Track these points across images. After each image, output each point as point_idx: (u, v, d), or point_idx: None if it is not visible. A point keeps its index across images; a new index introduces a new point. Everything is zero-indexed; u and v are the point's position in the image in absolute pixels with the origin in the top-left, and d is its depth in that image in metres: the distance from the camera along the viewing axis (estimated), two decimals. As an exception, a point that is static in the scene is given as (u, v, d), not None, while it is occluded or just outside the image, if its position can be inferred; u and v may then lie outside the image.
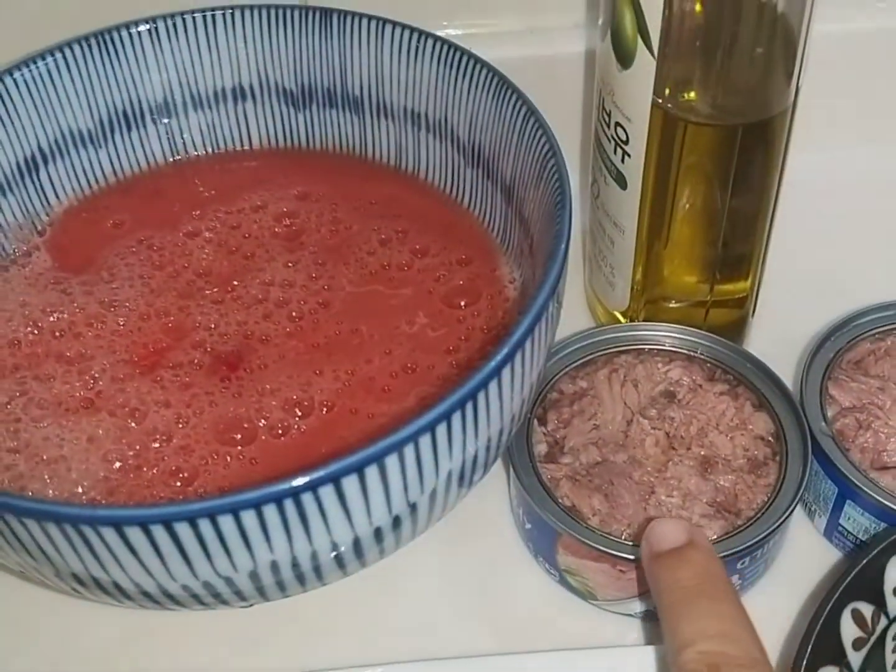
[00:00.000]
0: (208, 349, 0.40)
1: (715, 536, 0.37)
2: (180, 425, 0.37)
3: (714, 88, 0.40)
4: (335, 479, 0.29)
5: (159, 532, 0.28)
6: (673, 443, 0.40)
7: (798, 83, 0.39)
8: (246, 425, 0.37)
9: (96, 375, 0.38)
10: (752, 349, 0.44)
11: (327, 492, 0.29)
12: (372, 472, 0.30)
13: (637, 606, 0.38)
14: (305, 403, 0.38)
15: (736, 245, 0.43)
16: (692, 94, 0.40)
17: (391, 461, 0.30)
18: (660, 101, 0.38)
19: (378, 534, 0.32)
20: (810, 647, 0.31)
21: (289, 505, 0.29)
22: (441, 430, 0.30)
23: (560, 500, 0.39)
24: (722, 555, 0.36)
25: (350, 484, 0.29)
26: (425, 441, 0.30)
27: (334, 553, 0.32)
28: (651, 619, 0.39)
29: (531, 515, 0.39)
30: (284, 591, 0.33)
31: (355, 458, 0.29)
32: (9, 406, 0.37)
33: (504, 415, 0.33)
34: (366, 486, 0.30)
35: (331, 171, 0.47)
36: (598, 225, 0.45)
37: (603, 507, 0.39)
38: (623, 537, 0.37)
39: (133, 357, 0.39)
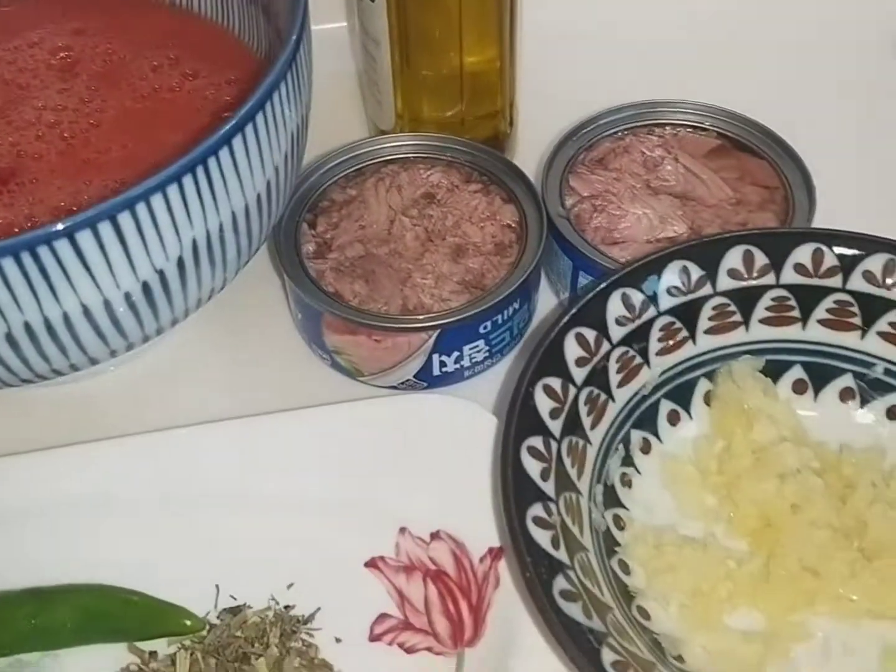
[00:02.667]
0: (-17, 165, 0.42)
1: (462, 305, 0.41)
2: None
3: None
4: (70, 234, 0.32)
5: None
6: (430, 236, 0.45)
7: None
8: (16, 229, 0.40)
9: None
10: (514, 157, 0.48)
11: (62, 245, 0.32)
12: (105, 229, 0.33)
13: (398, 376, 0.42)
14: (73, 209, 0.40)
15: (478, 61, 0.46)
16: None
17: (124, 218, 0.33)
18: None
19: (128, 300, 0.35)
20: (536, 361, 0.35)
21: (25, 258, 0.31)
22: (173, 191, 0.33)
23: (324, 288, 0.43)
24: (465, 316, 0.40)
25: (85, 239, 0.32)
26: (157, 200, 0.33)
27: (86, 317, 0.35)
28: (409, 388, 0.43)
29: (299, 304, 0.43)
30: (49, 362, 0.36)
31: (89, 214, 0.32)
32: None
33: (245, 190, 0.36)
34: (102, 243, 0.33)
35: (108, 8, 0.49)
36: (362, 45, 0.48)
37: (363, 290, 0.42)
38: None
39: None
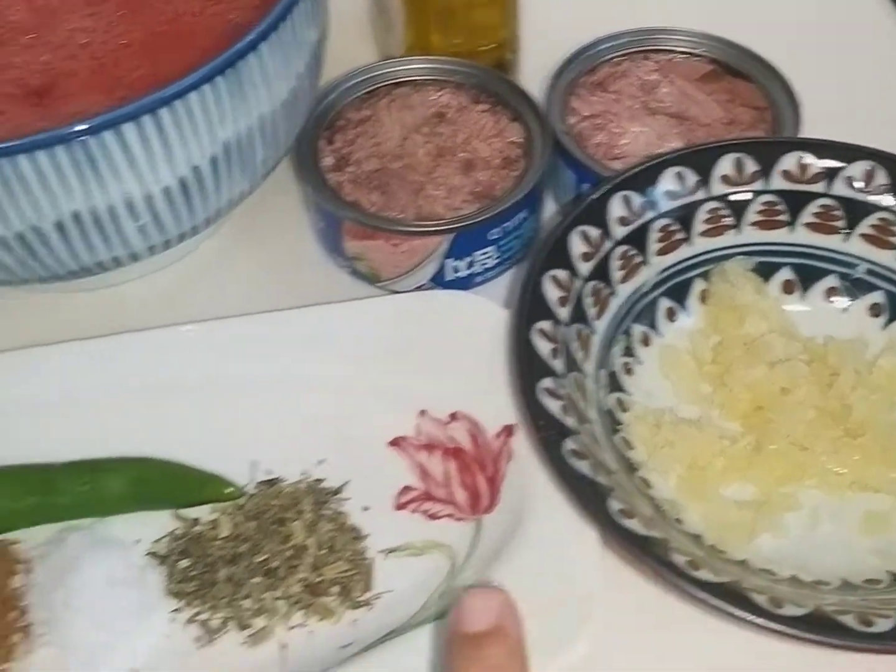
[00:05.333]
0: (20, 83, 0.44)
1: (473, 212, 0.44)
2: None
3: None
4: (115, 125, 0.35)
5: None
6: (441, 151, 0.47)
7: None
8: (56, 137, 0.43)
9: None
10: (519, 79, 0.51)
11: (111, 138, 0.35)
12: (147, 122, 0.35)
13: (413, 281, 0.45)
14: (110, 120, 0.43)
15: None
16: None
17: (164, 113, 0.35)
18: None
19: (168, 195, 0.38)
20: (545, 254, 0.38)
21: (76, 147, 0.34)
22: (208, 90, 0.36)
23: (344, 197, 0.45)
24: (476, 221, 0.43)
25: (129, 131, 0.35)
26: (194, 97, 0.36)
27: (129, 209, 0.37)
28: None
29: (321, 213, 0.46)
30: (94, 253, 0.39)
31: (133, 107, 0.35)
32: None
33: (272, 94, 0.39)
34: (145, 136, 0.36)
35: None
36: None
37: (380, 200, 0.45)
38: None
39: (-50, 90, 0.44)
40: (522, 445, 0.38)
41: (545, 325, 0.38)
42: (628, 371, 0.42)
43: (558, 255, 0.40)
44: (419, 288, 0.46)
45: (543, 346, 0.37)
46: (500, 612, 0.31)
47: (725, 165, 0.43)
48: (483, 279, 0.46)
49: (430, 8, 0.50)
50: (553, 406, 0.35)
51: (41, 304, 0.47)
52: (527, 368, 0.36)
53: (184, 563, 0.37)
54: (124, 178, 0.36)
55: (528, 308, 0.38)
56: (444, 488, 0.39)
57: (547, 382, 0.36)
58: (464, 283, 0.46)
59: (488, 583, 0.34)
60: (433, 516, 0.38)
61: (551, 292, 0.39)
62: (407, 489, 0.39)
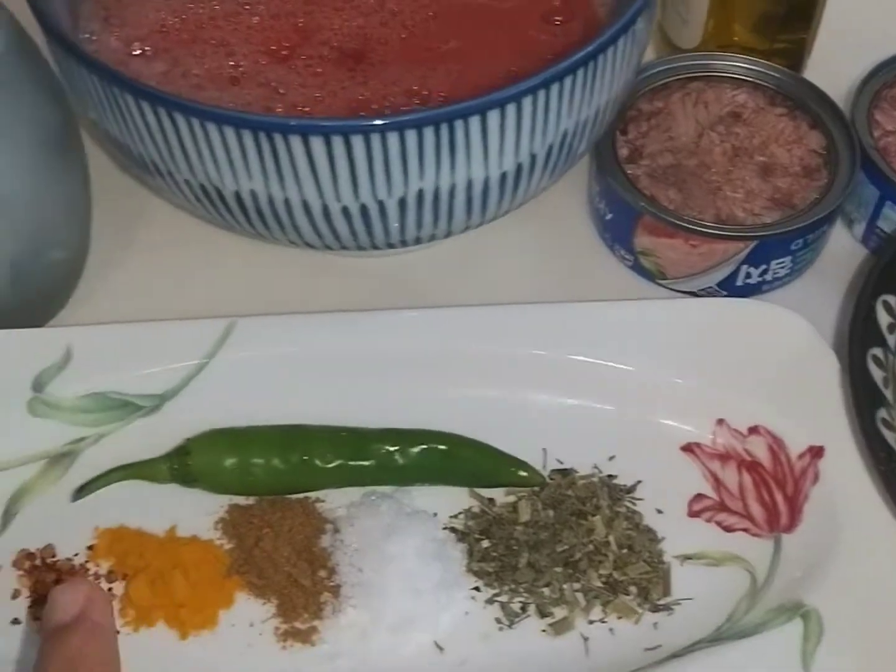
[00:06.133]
0: (335, 45, 0.44)
1: (779, 221, 0.43)
2: (318, 104, 0.42)
3: None
4: (482, 111, 0.35)
5: (338, 144, 0.34)
6: (737, 152, 0.46)
7: None
8: (374, 105, 0.43)
9: (240, 61, 0.43)
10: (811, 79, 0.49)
11: (474, 122, 0.35)
12: (510, 111, 0.35)
13: (701, 283, 0.45)
14: (425, 92, 0.43)
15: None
16: None
17: (526, 102, 0.35)
18: None
19: (503, 180, 0.38)
20: (874, 278, 0.37)
21: (443, 130, 0.34)
22: (568, 81, 0.36)
23: (642, 191, 0.45)
24: (783, 231, 0.42)
25: (492, 118, 0.35)
26: (554, 89, 0.36)
27: (467, 191, 0.38)
28: (708, 296, 0.45)
29: (615, 204, 0.45)
30: (421, 228, 0.39)
31: (502, 94, 0.35)
32: (168, 75, 0.42)
33: (614, 85, 0.39)
34: (504, 123, 0.35)
35: None
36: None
37: (677, 197, 0.45)
38: (695, 221, 0.44)
39: (269, 48, 0.44)
40: (833, 469, 0.38)
41: (877, 351, 0.37)
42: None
43: (889, 280, 0.39)
44: (704, 290, 0.45)
45: (877, 374, 0.36)
46: (84, 604, 0.32)
47: None
48: (770, 288, 0.45)
49: (737, 1, 0.49)
50: (891, 438, 0.35)
51: (335, 267, 0.47)
52: (865, 397, 0.35)
53: (485, 542, 0.38)
54: (474, 162, 0.36)
55: (862, 332, 0.37)
56: (739, 501, 0.39)
57: (882, 413, 0.35)
58: (751, 290, 0.45)
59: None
60: (727, 528, 0.38)
61: (882, 318, 0.38)
62: (700, 497, 0.39)
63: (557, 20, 0.46)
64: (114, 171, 0.50)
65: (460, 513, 0.39)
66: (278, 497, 0.39)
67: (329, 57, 0.44)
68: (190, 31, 0.44)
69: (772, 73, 0.48)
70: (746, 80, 0.48)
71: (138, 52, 0.43)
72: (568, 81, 0.36)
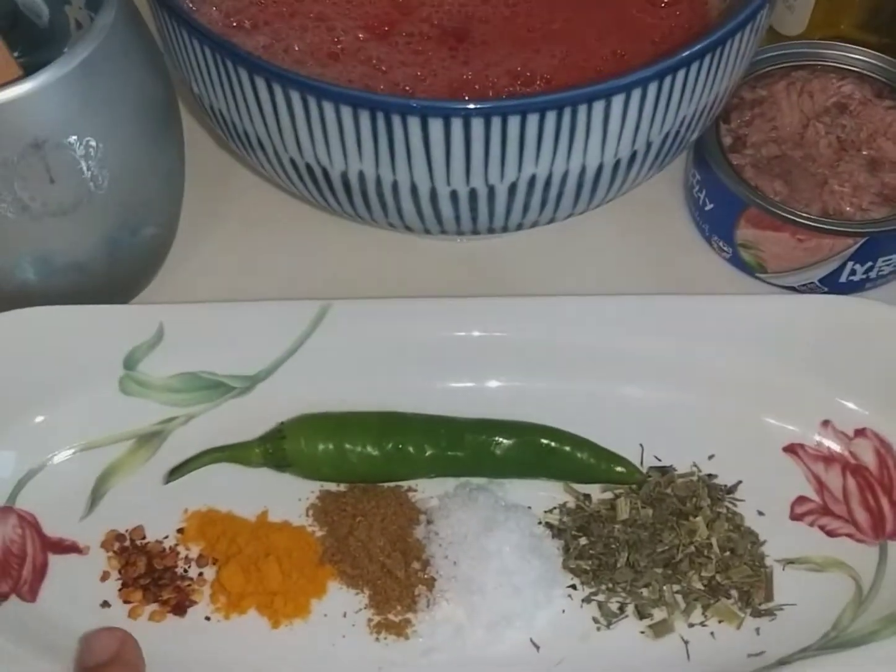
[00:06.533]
0: (435, 23, 0.43)
1: (884, 216, 0.42)
2: (419, 83, 0.41)
3: None
4: (607, 95, 0.33)
5: (457, 127, 0.33)
6: (844, 145, 0.45)
7: None
8: (477, 86, 0.41)
9: (340, 36, 0.42)
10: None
11: (598, 106, 0.33)
12: (635, 95, 0.34)
13: (802, 278, 0.44)
14: (528, 74, 0.42)
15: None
16: None
17: (652, 87, 0.34)
18: None
19: (615, 167, 0.37)
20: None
21: (566, 114, 0.33)
22: (695, 66, 0.34)
23: (747, 181, 0.44)
24: (891, 228, 0.41)
25: (616, 103, 0.34)
26: (680, 74, 0.34)
27: (579, 178, 0.36)
28: (808, 292, 0.44)
29: (717, 194, 0.44)
30: (527, 213, 0.38)
31: (628, 79, 0.33)
32: (270, 49, 0.41)
33: (734, 73, 0.37)
34: (627, 107, 0.34)
35: None
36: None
37: (784, 190, 0.43)
38: (801, 215, 0.43)
39: (369, 24, 0.43)
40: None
41: None
42: None
43: None
44: (805, 285, 0.44)
45: None
46: (119, 646, 0.34)
47: None
48: (873, 285, 0.44)
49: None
50: None
51: (423, 249, 0.47)
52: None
53: (582, 540, 0.37)
54: (592, 147, 0.35)
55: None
56: (843, 505, 0.38)
57: None
58: (854, 287, 0.43)
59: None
60: (831, 533, 0.37)
61: None
62: (803, 499, 0.38)
63: (664, 2, 0.45)
64: (204, 146, 0.50)
65: (555, 508, 0.38)
66: (370, 485, 0.38)
67: (430, 35, 0.43)
68: (289, 3, 0.44)
69: (879, 64, 0.47)
70: (852, 71, 0.47)
71: (236, 24, 0.43)
72: (695, 66, 0.34)
